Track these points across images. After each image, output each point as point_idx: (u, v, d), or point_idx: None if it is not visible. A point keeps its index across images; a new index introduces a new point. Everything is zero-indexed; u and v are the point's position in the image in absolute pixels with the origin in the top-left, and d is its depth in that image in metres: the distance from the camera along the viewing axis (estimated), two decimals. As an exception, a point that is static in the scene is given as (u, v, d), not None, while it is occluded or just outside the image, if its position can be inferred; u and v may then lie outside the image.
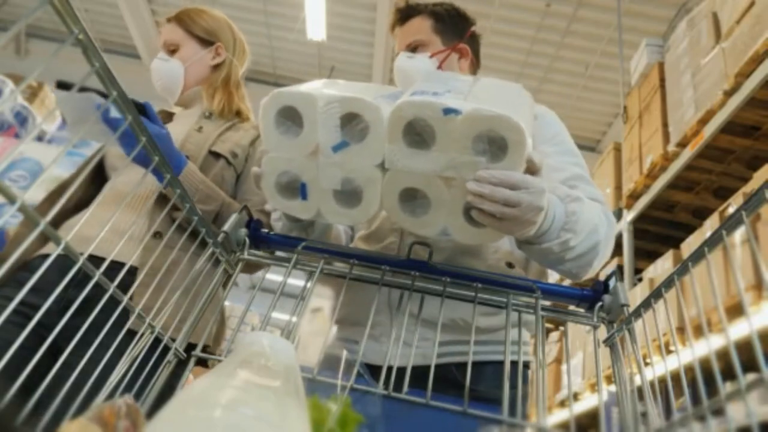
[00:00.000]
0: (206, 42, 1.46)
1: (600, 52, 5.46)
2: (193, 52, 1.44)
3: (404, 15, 1.32)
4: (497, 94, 0.80)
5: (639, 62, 3.54)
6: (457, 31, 1.31)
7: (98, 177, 1.29)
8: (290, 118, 0.83)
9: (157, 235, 1.09)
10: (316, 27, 5.83)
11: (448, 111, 0.74)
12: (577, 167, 1.09)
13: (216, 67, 1.46)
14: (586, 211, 0.92)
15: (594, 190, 1.05)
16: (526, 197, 0.76)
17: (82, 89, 0.97)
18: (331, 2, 5.62)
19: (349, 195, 0.84)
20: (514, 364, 0.89)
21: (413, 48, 1.28)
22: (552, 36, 5.48)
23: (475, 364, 0.99)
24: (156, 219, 1.09)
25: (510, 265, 1.06)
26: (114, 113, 0.99)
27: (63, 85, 0.98)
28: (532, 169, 0.78)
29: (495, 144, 0.75)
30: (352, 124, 0.81)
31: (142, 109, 1.06)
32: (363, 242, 1.16)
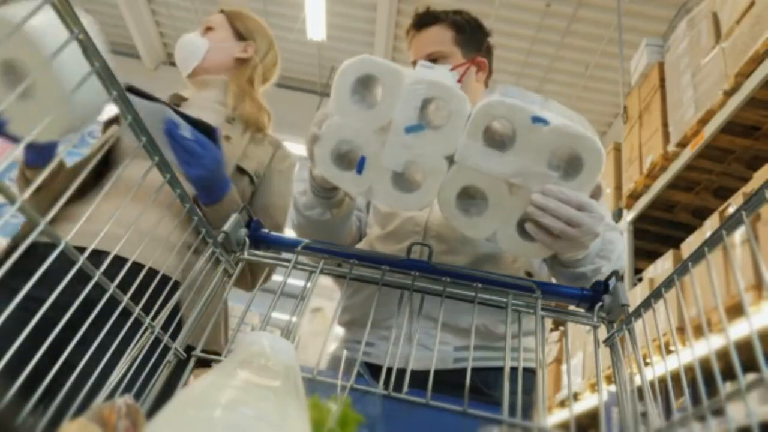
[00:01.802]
0: (241, 36, 1.49)
1: (600, 52, 5.46)
2: (223, 37, 1.46)
3: (424, 21, 1.28)
4: (570, 118, 0.80)
5: (639, 62, 3.54)
6: (475, 43, 1.29)
7: (103, 166, 1.27)
8: (368, 87, 0.81)
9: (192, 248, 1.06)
10: (316, 27, 5.83)
11: (536, 119, 0.73)
12: None
13: (240, 62, 1.46)
14: (621, 240, 0.95)
15: (607, 213, 1.07)
16: (588, 220, 0.76)
17: (152, 99, 1.02)
18: (331, 2, 5.62)
19: (408, 179, 0.82)
20: (524, 370, 0.89)
21: (433, 59, 1.24)
22: (552, 36, 5.47)
23: (492, 369, 1.00)
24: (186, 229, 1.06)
25: (529, 274, 1.07)
26: (185, 132, 1.04)
27: (134, 91, 1.01)
28: (596, 195, 0.79)
29: (570, 162, 0.75)
30: (431, 109, 0.79)
31: (210, 133, 1.08)
32: (380, 243, 1.14)
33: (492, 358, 1.02)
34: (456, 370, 1.00)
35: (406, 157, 0.79)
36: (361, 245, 1.18)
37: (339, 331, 1.20)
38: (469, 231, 0.82)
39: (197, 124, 1.07)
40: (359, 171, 0.82)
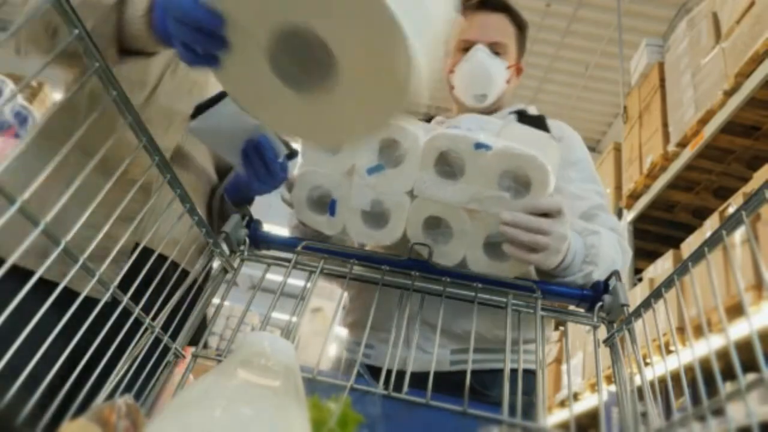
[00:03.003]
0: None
1: (600, 52, 5.46)
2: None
3: (492, 4, 1.21)
4: (525, 138, 0.83)
5: (639, 62, 3.54)
6: (524, 46, 1.28)
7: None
8: None
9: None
10: (316, 27, 5.82)
11: (479, 146, 0.77)
12: (598, 196, 1.10)
13: None
14: (605, 243, 0.95)
15: (613, 219, 1.07)
16: (557, 225, 0.79)
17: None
18: (331, 2, 5.62)
19: (377, 217, 0.87)
20: (524, 371, 0.89)
21: (495, 50, 1.19)
22: (552, 36, 5.47)
23: (489, 372, 1.00)
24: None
25: None
26: (270, 153, 0.97)
27: (202, 108, 0.95)
28: (553, 213, 0.80)
29: (519, 182, 0.79)
30: (390, 149, 0.84)
31: (291, 155, 1.06)
32: (375, 246, 1.16)
33: (489, 360, 1.03)
34: (453, 372, 1.00)
35: (371, 196, 0.85)
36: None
37: (340, 331, 1.20)
38: (440, 259, 0.85)
39: (285, 145, 1.05)
40: (332, 213, 0.88)
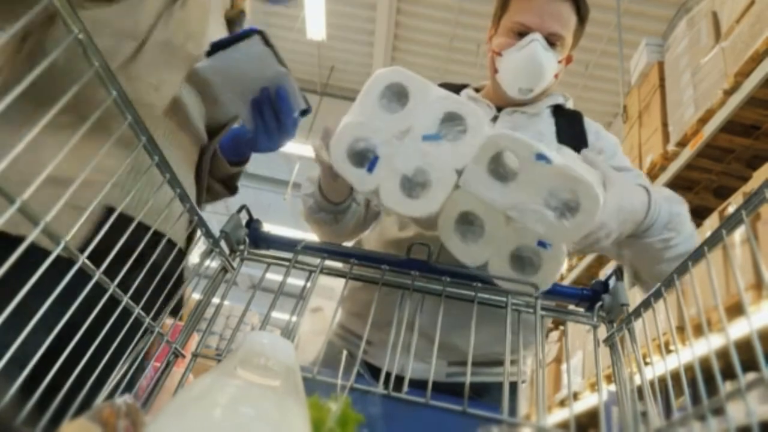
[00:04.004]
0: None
1: (600, 51, 5.46)
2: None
3: None
4: (579, 162, 0.82)
5: (639, 62, 3.54)
6: (579, 39, 1.21)
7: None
8: (395, 97, 0.85)
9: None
10: (315, 27, 5.82)
11: (540, 157, 0.75)
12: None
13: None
14: (688, 215, 0.94)
15: (657, 187, 1.07)
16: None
17: (280, 61, 0.90)
18: (331, 2, 5.62)
19: (415, 186, 0.83)
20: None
21: (551, 40, 1.12)
22: (552, 35, 5.47)
23: (482, 384, 1.01)
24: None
25: None
26: (289, 109, 0.93)
27: (221, 45, 0.89)
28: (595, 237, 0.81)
29: (567, 204, 0.76)
30: (452, 123, 0.82)
31: (306, 111, 1.00)
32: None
33: (483, 373, 1.05)
34: (448, 383, 1.01)
35: (418, 162, 0.82)
36: (378, 245, 1.17)
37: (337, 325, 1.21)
38: (464, 257, 0.83)
39: (303, 100, 0.99)
40: (370, 170, 0.84)
